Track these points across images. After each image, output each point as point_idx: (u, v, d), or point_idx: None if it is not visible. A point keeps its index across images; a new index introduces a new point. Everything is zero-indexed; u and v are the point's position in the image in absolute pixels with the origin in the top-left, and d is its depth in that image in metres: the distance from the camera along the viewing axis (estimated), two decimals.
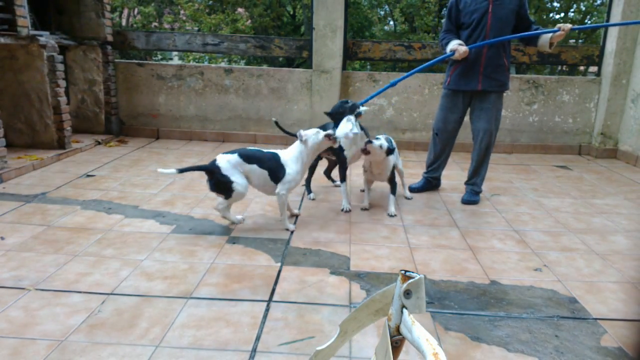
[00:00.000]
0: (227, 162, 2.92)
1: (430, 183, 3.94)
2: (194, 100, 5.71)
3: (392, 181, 3.47)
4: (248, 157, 2.97)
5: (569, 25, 3.30)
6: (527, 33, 3.40)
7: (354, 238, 2.95)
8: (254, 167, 2.97)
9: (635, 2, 4.99)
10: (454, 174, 4.50)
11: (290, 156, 3.03)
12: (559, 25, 3.31)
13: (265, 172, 2.99)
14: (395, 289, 0.99)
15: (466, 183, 3.80)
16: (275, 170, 3.00)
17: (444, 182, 4.09)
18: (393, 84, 3.73)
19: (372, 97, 3.82)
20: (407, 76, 3.89)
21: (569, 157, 5.44)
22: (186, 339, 1.89)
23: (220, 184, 2.90)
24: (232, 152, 2.98)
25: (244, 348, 1.85)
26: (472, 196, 3.69)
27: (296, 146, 3.05)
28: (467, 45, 3.38)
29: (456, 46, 3.37)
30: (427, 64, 3.70)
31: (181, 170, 2.87)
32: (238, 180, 2.91)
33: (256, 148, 3.09)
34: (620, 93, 5.26)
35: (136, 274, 2.40)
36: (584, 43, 11.03)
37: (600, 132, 5.40)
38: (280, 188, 3.00)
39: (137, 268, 2.46)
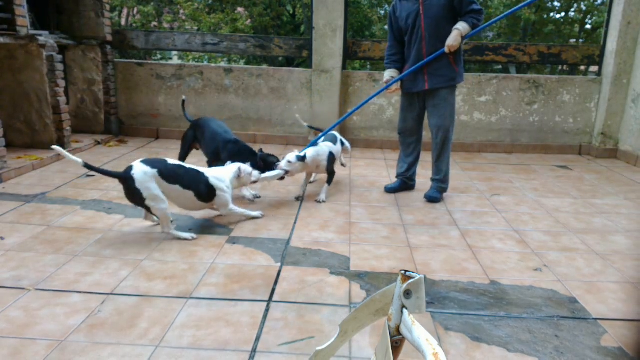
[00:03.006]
0: (143, 173, 2.68)
1: (406, 184, 3.95)
2: (194, 100, 5.70)
3: (330, 173, 3.70)
4: (169, 176, 2.76)
5: (451, 43, 3.32)
6: (430, 57, 3.42)
7: (354, 238, 2.94)
8: (176, 187, 2.79)
9: (636, 0, 4.99)
10: (454, 174, 4.49)
11: (220, 178, 2.99)
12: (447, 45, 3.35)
13: (190, 194, 2.85)
14: (395, 289, 0.99)
15: (432, 179, 3.81)
16: (203, 192, 2.90)
17: None
18: (322, 135, 3.79)
19: (309, 147, 3.66)
20: (336, 124, 4.00)
21: (569, 157, 5.44)
22: (186, 339, 1.89)
23: (133, 196, 2.71)
24: (152, 164, 2.73)
25: (244, 348, 1.85)
26: (434, 193, 3.72)
27: (230, 171, 3.07)
28: (409, 49, 3.53)
29: (386, 80, 3.63)
30: (363, 103, 3.98)
31: (88, 167, 2.64)
32: (153, 197, 2.70)
33: (178, 163, 2.89)
34: (621, 93, 5.26)
35: (136, 274, 2.40)
36: (584, 43, 11.03)
37: (601, 132, 5.39)
38: (223, 210, 3.05)
39: (136, 268, 2.46)
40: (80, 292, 2.21)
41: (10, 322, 1.96)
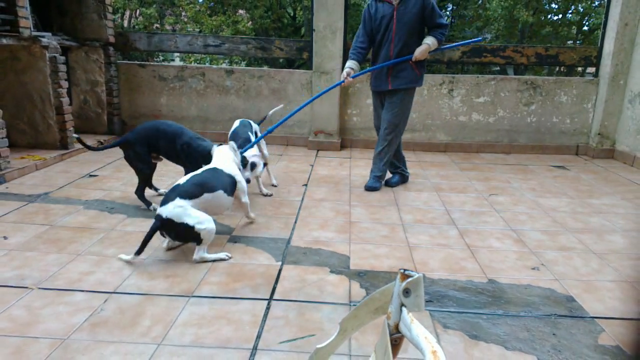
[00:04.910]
0: (176, 208, 2.49)
1: (404, 176, 4.19)
2: (196, 101, 5.73)
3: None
4: (192, 193, 2.58)
5: (418, 55, 3.62)
6: (395, 60, 3.69)
7: (353, 237, 2.97)
8: (206, 196, 2.63)
9: (633, 3, 5.02)
10: (453, 174, 4.53)
11: (233, 167, 2.94)
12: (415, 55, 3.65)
13: (220, 193, 2.72)
14: (394, 287, 1.01)
15: (373, 174, 4.03)
16: (230, 185, 2.82)
17: (443, 182, 4.11)
18: (270, 132, 3.73)
19: (252, 145, 3.54)
20: (287, 118, 3.91)
21: (566, 157, 5.46)
22: (188, 337, 1.92)
23: (183, 234, 2.53)
24: (173, 197, 2.52)
25: (244, 346, 1.88)
26: (374, 182, 3.97)
27: (232, 159, 3.00)
28: (379, 48, 3.75)
29: (344, 75, 3.74)
30: (316, 95, 4.05)
31: (139, 252, 2.49)
32: (200, 219, 2.53)
33: (192, 174, 2.73)
34: (618, 94, 5.29)
35: (138, 273, 2.42)
36: (582, 44, 11.05)
37: (598, 132, 5.42)
38: (244, 198, 2.96)
39: (139, 267, 2.49)
40: (83, 291, 2.23)
41: (13, 320, 1.99)
